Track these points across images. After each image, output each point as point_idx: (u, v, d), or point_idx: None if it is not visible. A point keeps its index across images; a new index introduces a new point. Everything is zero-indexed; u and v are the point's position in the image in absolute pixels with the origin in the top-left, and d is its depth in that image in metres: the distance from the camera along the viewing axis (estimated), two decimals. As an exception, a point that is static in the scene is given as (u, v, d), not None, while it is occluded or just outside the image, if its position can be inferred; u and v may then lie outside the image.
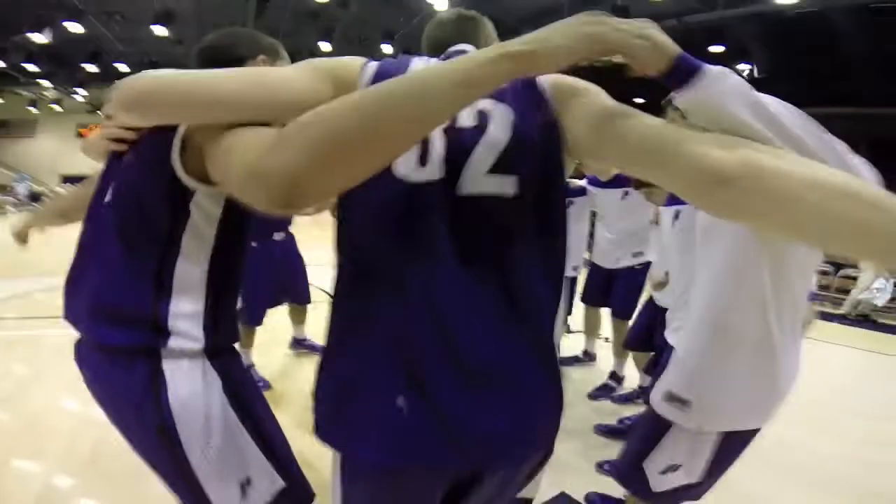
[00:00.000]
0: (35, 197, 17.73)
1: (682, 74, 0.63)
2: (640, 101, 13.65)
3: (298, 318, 3.19)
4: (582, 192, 3.15)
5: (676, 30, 10.01)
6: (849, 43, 9.72)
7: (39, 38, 10.34)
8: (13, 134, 22.44)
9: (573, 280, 3.42)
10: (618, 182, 2.86)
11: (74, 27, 10.37)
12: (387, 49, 13.36)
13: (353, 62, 0.78)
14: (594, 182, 3.09)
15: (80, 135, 22.07)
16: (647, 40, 0.61)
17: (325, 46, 13.17)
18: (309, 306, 3.15)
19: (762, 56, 11.20)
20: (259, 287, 2.51)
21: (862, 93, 11.69)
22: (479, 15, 0.97)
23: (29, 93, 19.31)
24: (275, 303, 2.77)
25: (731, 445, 1.24)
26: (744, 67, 11.30)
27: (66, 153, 21.79)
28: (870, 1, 8.19)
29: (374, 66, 0.78)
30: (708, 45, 10.66)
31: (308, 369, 3.13)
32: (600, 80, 0.70)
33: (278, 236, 2.67)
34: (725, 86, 0.64)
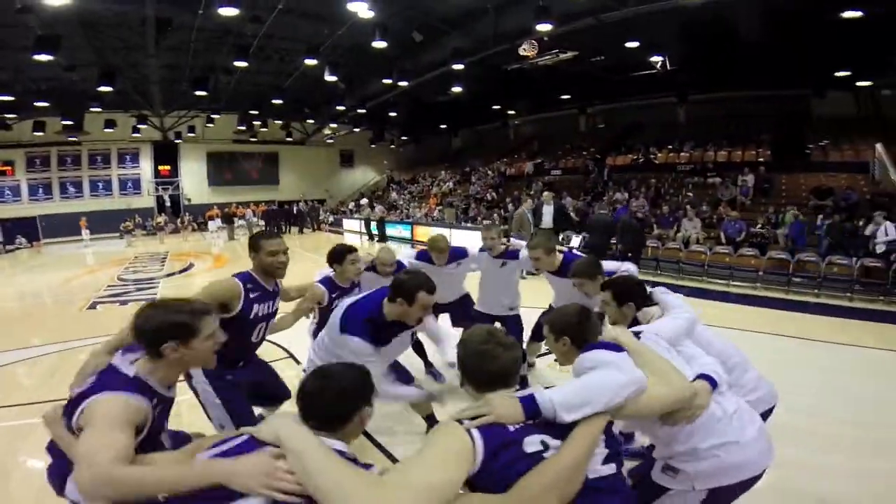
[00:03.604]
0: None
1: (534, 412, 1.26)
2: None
3: (272, 412, 3.13)
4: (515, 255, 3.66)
5: (594, 27, 10.43)
6: (748, 32, 10.57)
7: None
8: None
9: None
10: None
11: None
12: (310, 62, 12.80)
13: None
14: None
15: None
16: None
17: (242, 63, 12.37)
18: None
19: (673, 49, 11.94)
20: (244, 405, 2.50)
21: (760, 77, 12.83)
22: None
23: None
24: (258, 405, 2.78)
25: (721, 497, 1.56)
26: (657, 59, 12.00)
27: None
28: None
29: None
30: (624, 41, 11.19)
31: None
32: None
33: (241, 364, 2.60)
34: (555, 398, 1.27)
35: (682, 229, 9.82)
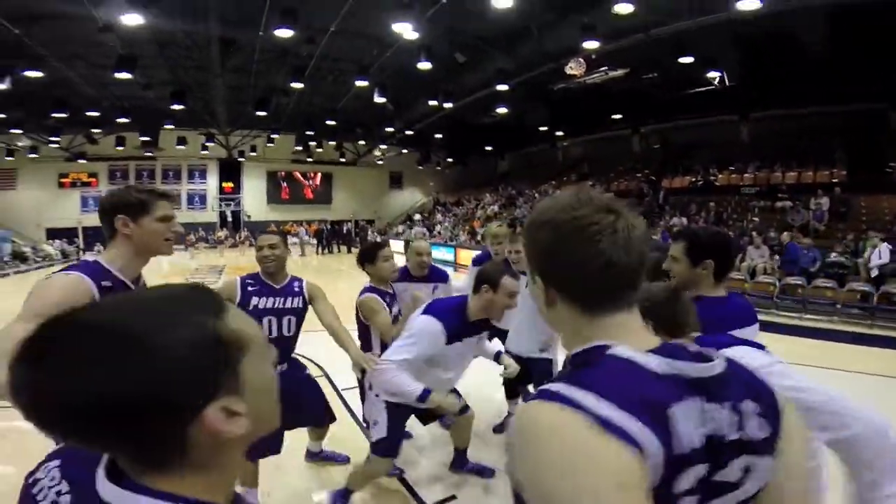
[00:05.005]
0: (20, 257, 16.28)
1: None
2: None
3: (316, 434, 2.96)
4: None
5: (644, 43, 10.07)
6: (812, 43, 9.79)
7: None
8: (-6, 184, 21.88)
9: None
10: None
11: (35, 73, 10.26)
12: (361, 83, 13.30)
13: None
14: None
15: (62, 184, 21.76)
16: None
17: (298, 85, 13.12)
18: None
19: (731, 63, 11.29)
20: None
21: (828, 90, 11.80)
22: None
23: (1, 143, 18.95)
24: (290, 428, 2.56)
25: None
26: (714, 75, 11.35)
27: (48, 204, 21.33)
28: (826, 4, 8.24)
29: None
30: (676, 56, 10.71)
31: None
32: None
33: (281, 368, 2.46)
34: None
35: (747, 258, 8.91)
